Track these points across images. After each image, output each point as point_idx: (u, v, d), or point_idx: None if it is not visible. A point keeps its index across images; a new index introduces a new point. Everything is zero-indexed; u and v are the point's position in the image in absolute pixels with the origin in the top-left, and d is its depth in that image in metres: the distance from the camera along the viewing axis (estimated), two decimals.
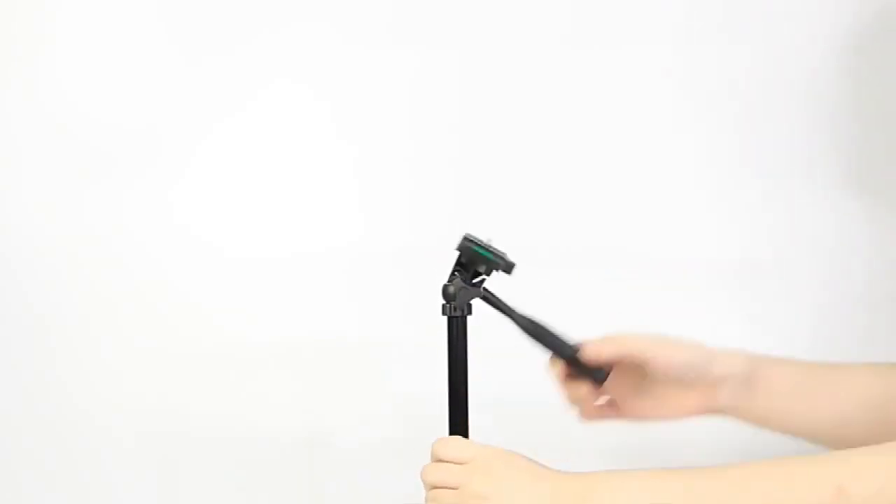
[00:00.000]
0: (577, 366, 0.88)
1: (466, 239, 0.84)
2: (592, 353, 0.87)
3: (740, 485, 0.71)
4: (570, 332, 1.15)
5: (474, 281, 0.86)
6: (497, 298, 0.87)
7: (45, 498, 1.32)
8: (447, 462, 0.79)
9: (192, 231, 1.31)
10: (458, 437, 0.84)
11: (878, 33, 1.21)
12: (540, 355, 1.05)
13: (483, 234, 0.86)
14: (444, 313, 0.85)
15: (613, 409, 0.94)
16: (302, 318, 1.29)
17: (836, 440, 0.89)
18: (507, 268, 0.85)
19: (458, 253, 0.85)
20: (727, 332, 1.17)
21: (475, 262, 0.85)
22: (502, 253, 0.85)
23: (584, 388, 0.89)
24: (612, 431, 1.25)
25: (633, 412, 0.93)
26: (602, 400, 0.93)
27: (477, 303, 0.87)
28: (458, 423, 0.86)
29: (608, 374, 0.88)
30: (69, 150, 1.29)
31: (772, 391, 0.90)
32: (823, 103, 1.24)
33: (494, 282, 0.87)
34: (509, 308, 0.87)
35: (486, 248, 0.84)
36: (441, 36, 1.27)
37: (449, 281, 0.85)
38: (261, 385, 1.31)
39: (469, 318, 0.86)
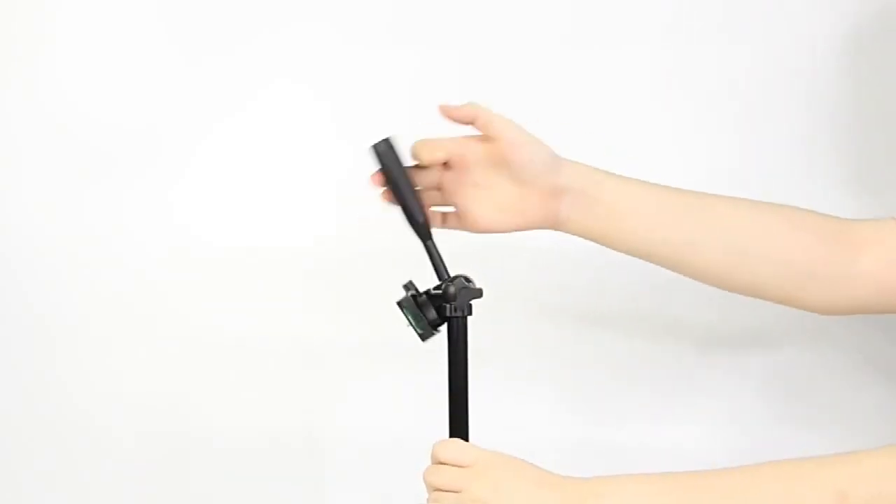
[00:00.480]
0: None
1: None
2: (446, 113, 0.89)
3: (743, 487, 0.71)
4: (570, 332, 1.16)
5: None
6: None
7: (45, 498, 1.32)
8: (448, 465, 0.79)
9: (192, 231, 1.31)
10: (459, 440, 0.84)
11: (879, 33, 1.21)
12: (540, 354, 1.07)
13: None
14: (447, 314, 0.85)
15: (455, 218, 0.93)
16: (302, 318, 1.29)
17: (675, 265, 0.91)
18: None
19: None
20: (728, 331, 1.18)
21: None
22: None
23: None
24: (612, 431, 1.26)
25: (472, 221, 0.92)
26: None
27: (477, 303, 0.87)
28: (459, 425, 0.86)
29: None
30: (69, 149, 1.29)
31: (616, 207, 0.90)
32: (823, 103, 1.24)
33: (493, 281, 0.87)
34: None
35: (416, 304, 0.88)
36: (441, 36, 1.27)
37: (450, 281, 0.85)
38: (261, 385, 1.31)
39: (469, 318, 0.86)
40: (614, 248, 0.93)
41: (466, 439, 0.86)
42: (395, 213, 1.31)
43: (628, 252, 0.93)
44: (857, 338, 1.25)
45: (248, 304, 1.30)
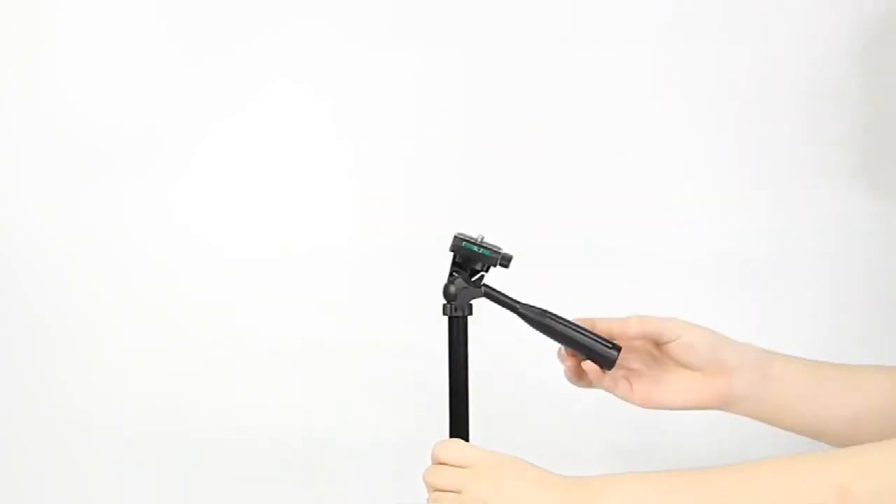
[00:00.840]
0: (587, 351, 0.87)
1: (458, 238, 0.84)
2: (615, 328, 0.87)
3: (744, 484, 0.71)
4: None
5: (473, 279, 0.85)
6: (500, 293, 0.87)
7: (46, 498, 1.32)
8: (448, 465, 0.79)
9: (192, 231, 1.31)
10: (459, 441, 0.83)
11: (878, 33, 1.21)
12: (540, 355, 1.05)
13: (479, 232, 0.86)
14: (444, 313, 0.85)
15: (627, 388, 0.92)
16: (302, 318, 1.29)
17: (845, 440, 0.89)
18: (505, 261, 0.85)
19: (452, 253, 0.84)
20: (729, 330, 1.17)
21: (471, 260, 0.84)
22: (496, 247, 0.85)
23: (595, 373, 0.88)
24: (612, 432, 1.26)
25: (645, 397, 0.91)
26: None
27: (477, 302, 0.87)
28: (459, 425, 0.85)
29: (619, 351, 0.87)
30: (69, 150, 1.29)
31: (785, 385, 0.90)
32: (825, 102, 1.24)
33: (493, 280, 0.87)
34: (513, 301, 0.87)
35: (480, 245, 0.84)
36: (441, 36, 1.27)
37: (449, 281, 0.85)
38: (261, 384, 1.31)
39: (469, 317, 0.85)
40: (784, 427, 0.93)
41: (467, 440, 0.86)
42: (396, 213, 1.32)
43: (799, 431, 0.93)
44: (863, 332, 1.25)
45: (247, 303, 1.30)
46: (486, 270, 0.85)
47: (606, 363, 0.87)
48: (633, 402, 0.91)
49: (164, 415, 1.31)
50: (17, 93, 1.28)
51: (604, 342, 0.86)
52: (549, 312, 0.86)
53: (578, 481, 0.76)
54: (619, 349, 0.87)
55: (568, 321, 0.87)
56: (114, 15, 1.27)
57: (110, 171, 1.29)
